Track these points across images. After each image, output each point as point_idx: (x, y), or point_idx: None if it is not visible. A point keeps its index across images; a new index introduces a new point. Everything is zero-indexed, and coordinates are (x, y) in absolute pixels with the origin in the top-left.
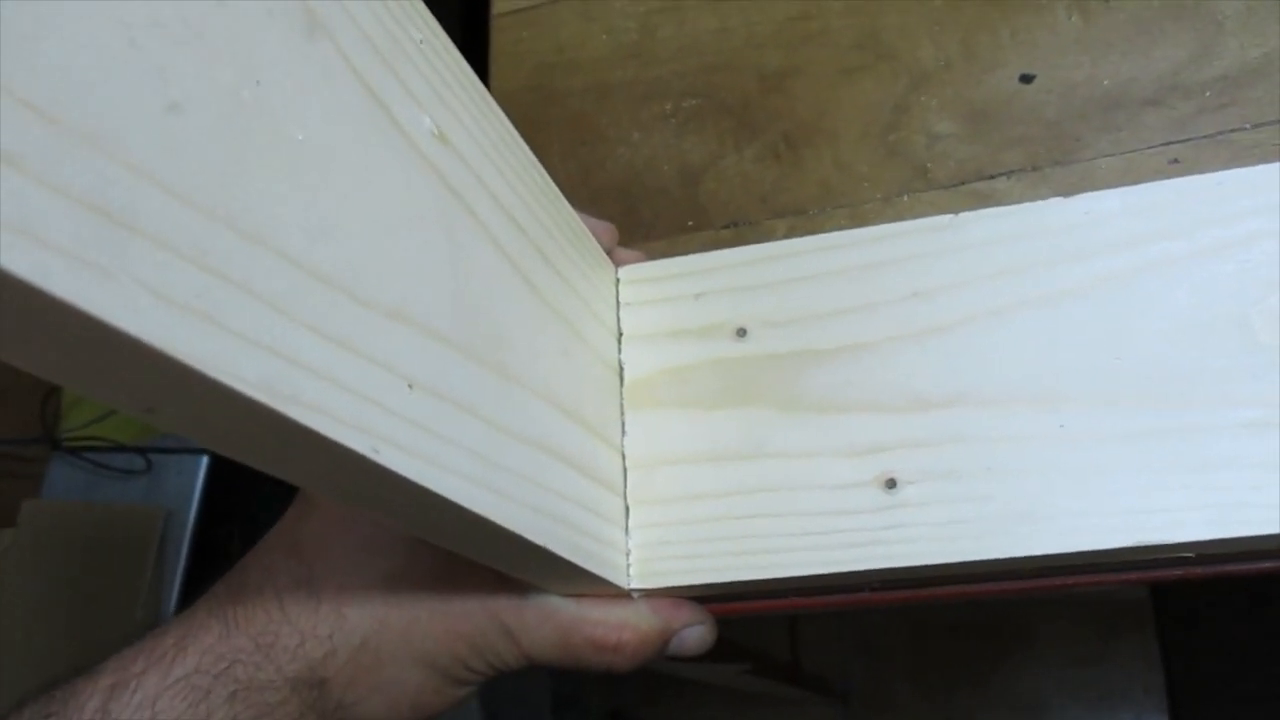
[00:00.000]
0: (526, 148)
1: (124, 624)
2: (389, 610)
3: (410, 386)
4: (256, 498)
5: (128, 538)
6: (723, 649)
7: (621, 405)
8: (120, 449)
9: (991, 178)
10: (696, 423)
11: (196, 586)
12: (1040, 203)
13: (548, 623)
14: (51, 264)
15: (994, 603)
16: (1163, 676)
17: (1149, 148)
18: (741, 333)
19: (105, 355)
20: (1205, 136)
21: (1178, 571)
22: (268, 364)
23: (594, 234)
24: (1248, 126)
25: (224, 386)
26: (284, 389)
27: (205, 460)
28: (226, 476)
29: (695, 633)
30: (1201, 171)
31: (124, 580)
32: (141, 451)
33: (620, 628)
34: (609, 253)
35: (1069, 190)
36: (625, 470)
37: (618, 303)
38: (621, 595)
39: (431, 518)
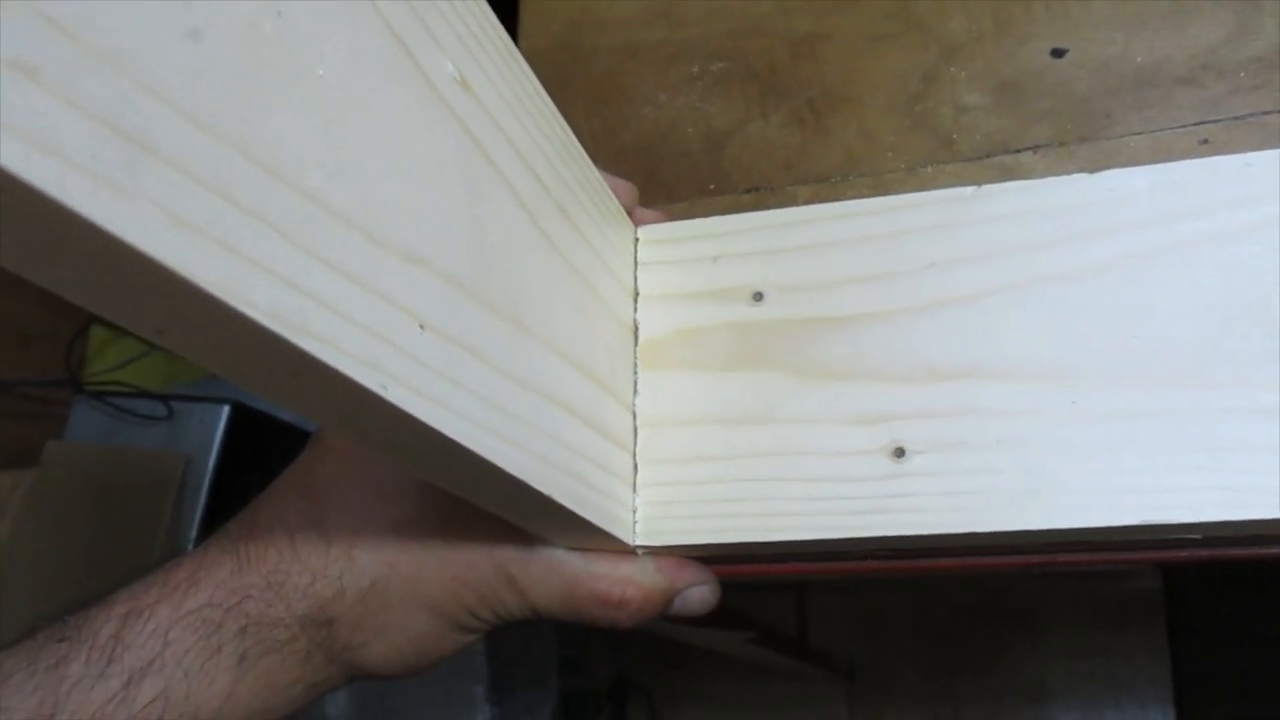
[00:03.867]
0: (550, 102)
1: (140, 567)
2: (398, 555)
3: (422, 328)
4: (277, 450)
5: (147, 482)
6: (728, 616)
7: (635, 364)
8: (143, 395)
9: (1018, 151)
10: (708, 385)
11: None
12: (1065, 178)
13: (553, 575)
14: (69, 177)
15: (1000, 589)
16: (1169, 670)
17: (1180, 127)
18: (758, 297)
19: (118, 273)
20: (1237, 118)
21: (1184, 553)
22: (279, 293)
23: (614, 192)
24: None
25: (234, 311)
26: (294, 318)
27: (226, 410)
28: (247, 427)
29: (699, 592)
30: (1232, 153)
31: (142, 524)
32: (164, 399)
33: (625, 583)
34: (629, 212)
35: (1096, 167)
36: (636, 429)
37: (636, 262)
38: (627, 552)
39: (439, 460)
